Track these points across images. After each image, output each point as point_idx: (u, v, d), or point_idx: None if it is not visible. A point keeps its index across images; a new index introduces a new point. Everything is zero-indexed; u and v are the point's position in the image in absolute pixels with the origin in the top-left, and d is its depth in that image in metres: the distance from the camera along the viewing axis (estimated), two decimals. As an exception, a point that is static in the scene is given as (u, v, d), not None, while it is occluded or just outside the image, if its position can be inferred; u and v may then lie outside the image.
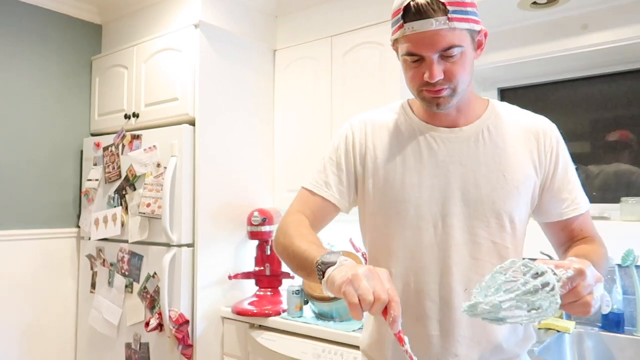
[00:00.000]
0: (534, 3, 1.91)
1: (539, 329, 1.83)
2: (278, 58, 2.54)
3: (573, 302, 0.78)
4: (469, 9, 0.92)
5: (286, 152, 2.49)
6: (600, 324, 1.81)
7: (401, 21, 0.93)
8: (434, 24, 0.90)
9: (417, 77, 0.97)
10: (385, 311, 0.77)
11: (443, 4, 0.90)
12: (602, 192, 2.08)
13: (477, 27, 0.95)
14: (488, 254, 1.01)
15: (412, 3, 0.91)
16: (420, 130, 1.06)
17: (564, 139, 1.09)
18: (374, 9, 2.16)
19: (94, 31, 2.74)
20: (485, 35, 1.00)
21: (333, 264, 0.84)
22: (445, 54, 0.92)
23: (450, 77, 0.95)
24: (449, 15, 0.90)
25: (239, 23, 2.40)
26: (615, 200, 1.97)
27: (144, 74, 2.40)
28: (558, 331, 1.77)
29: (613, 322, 1.77)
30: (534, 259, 0.82)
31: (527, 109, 1.12)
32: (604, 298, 0.76)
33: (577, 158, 2.14)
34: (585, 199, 1.09)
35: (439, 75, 0.93)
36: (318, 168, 1.14)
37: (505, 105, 1.12)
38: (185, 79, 2.22)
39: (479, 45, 0.99)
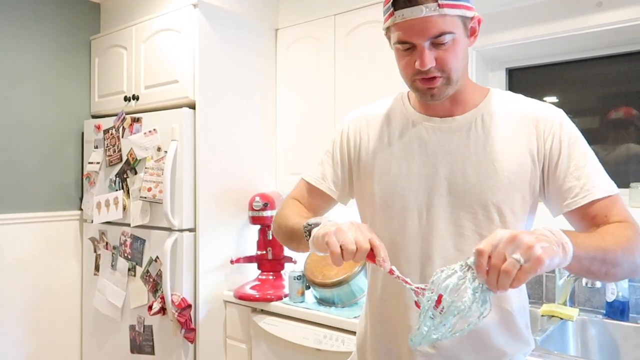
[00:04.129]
0: (546, -20, 1.83)
1: (542, 316, 1.82)
2: (280, 37, 2.48)
3: (497, 277, 0.74)
4: None
5: (289, 135, 2.44)
6: (604, 312, 1.79)
7: (392, 9, 0.93)
8: (424, 10, 0.89)
9: (409, 66, 0.96)
10: (372, 258, 0.85)
11: None
12: (613, 176, 2.01)
13: (469, 14, 0.94)
14: (474, 246, 0.98)
15: None
16: (414, 121, 1.07)
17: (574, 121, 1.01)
18: (378, -14, 2.08)
19: (92, 10, 2.68)
20: (479, 22, 0.98)
21: (318, 224, 0.92)
22: (436, 41, 0.91)
23: (442, 65, 0.93)
24: (439, 2, 0.89)
25: (239, 1, 2.33)
26: (626, 184, 1.91)
27: (144, 55, 2.35)
28: (561, 319, 1.75)
29: (618, 310, 1.75)
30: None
31: (536, 89, 1.06)
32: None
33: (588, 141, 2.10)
34: (605, 183, 0.98)
35: (430, 63, 0.92)
36: (317, 161, 1.20)
37: (508, 94, 1.08)
38: (184, 61, 2.17)
39: (472, 33, 0.98)
